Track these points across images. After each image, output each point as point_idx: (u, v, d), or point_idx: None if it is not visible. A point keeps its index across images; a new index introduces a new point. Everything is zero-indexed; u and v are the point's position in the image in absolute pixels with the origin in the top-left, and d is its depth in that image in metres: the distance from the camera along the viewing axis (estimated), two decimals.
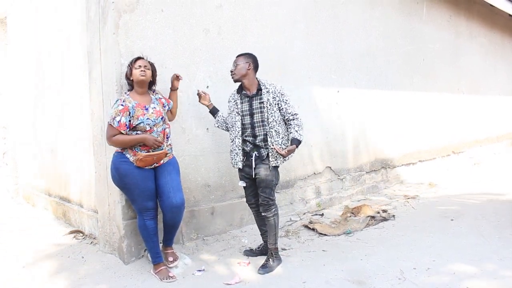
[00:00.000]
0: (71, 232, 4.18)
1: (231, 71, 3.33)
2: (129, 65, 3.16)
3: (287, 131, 3.34)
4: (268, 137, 3.25)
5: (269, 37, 4.52)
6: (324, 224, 4.44)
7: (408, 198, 5.60)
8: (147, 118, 3.07)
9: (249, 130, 3.32)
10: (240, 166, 3.39)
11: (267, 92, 3.27)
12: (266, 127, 3.25)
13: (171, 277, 3.16)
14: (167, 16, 3.66)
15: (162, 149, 3.14)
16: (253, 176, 3.35)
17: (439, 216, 4.70)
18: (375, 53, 5.98)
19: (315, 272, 3.24)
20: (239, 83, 3.39)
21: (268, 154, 3.29)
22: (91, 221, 4.03)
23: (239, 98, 3.37)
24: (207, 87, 3.97)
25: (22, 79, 5.58)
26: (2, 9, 6.13)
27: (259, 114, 3.28)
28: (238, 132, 3.35)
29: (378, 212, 4.74)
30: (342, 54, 5.43)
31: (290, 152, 3.23)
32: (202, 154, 3.95)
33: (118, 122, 2.99)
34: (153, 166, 3.13)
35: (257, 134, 3.29)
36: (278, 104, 3.26)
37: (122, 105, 3.02)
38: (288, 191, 4.74)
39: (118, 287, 3.07)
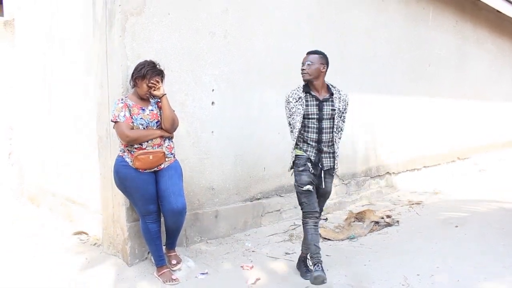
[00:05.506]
0: (76, 233, 4.19)
1: (303, 69, 3.09)
2: (139, 76, 3.06)
3: None
4: (335, 144, 3.14)
5: (274, 41, 4.52)
6: (328, 229, 4.43)
7: (413, 204, 5.58)
8: (141, 118, 3.06)
9: (315, 134, 3.09)
10: (310, 169, 3.08)
11: (339, 99, 3.15)
12: (334, 134, 3.13)
13: (174, 279, 3.16)
14: (174, 20, 3.68)
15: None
16: (319, 186, 3.15)
17: (444, 223, 4.67)
18: (380, 58, 5.98)
19: None
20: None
21: (334, 163, 3.18)
22: (96, 222, 4.04)
23: (305, 98, 3.09)
24: (213, 90, 3.98)
25: (28, 81, 5.61)
26: (10, 11, 6.18)
27: (329, 121, 3.10)
28: (299, 132, 3.12)
29: (382, 218, 4.73)
30: (347, 58, 5.43)
31: None
32: (206, 157, 3.96)
33: (124, 116, 3.00)
34: (153, 170, 3.12)
35: (323, 140, 3.10)
36: (343, 113, 3.19)
37: (121, 102, 3.05)
38: (292, 195, 4.73)
39: None
